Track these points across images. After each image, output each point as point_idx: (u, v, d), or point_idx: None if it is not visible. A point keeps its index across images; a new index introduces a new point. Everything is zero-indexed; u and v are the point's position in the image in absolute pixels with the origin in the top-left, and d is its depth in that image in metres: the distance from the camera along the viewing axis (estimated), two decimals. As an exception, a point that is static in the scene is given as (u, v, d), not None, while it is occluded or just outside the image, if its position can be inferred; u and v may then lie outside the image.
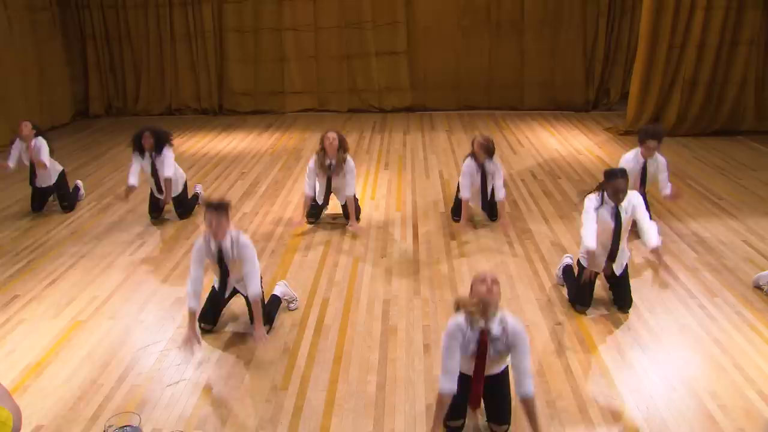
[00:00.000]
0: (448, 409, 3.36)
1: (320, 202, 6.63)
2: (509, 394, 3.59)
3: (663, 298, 5.03)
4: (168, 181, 6.67)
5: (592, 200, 4.80)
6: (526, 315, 4.83)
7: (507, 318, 3.33)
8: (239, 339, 4.64)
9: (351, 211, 6.51)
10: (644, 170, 6.19)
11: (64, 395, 4.03)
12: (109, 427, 2.21)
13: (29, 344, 4.60)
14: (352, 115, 11.93)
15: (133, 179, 6.71)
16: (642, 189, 6.19)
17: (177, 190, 6.86)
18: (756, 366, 4.13)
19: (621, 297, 4.92)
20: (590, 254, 4.71)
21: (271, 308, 4.83)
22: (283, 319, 4.88)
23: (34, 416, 3.83)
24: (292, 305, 5.06)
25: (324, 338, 4.63)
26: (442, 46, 11.66)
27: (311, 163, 6.44)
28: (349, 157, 6.46)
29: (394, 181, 8.07)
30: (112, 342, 4.61)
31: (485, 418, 3.68)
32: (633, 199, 4.78)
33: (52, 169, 7.06)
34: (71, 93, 11.84)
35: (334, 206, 6.82)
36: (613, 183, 4.65)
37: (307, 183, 6.45)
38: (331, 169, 6.41)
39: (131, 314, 4.98)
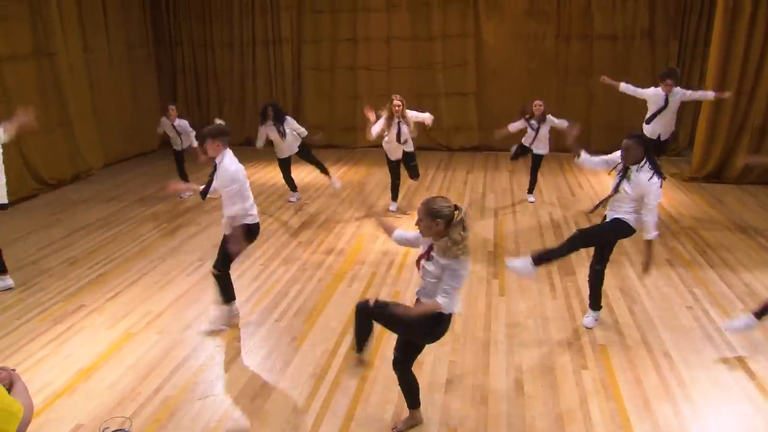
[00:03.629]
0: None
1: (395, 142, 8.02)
2: None
3: (700, 350, 4.91)
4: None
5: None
6: (554, 358, 4.84)
7: None
8: (271, 362, 4.89)
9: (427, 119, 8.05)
10: (666, 101, 7.72)
11: (106, 399, 4.39)
12: (105, 429, 2.45)
13: (84, 351, 5.02)
14: (420, 152, 12.07)
15: (259, 143, 8.77)
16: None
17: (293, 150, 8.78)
18: (789, 428, 3.99)
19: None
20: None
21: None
22: (315, 346, 5.09)
23: (78, 415, 4.20)
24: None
25: (352, 366, 4.80)
26: (510, 88, 11.79)
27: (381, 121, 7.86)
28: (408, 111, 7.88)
29: (449, 218, 8.19)
30: (156, 354, 4.96)
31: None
32: (643, 181, 4.79)
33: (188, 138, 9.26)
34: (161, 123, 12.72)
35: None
36: (624, 143, 4.88)
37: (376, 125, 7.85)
38: (399, 126, 7.83)
39: (177, 330, 5.34)
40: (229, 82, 12.88)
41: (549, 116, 8.33)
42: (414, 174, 8.52)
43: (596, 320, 5.37)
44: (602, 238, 5.17)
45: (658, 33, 11.14)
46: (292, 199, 9.12)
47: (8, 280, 6.08)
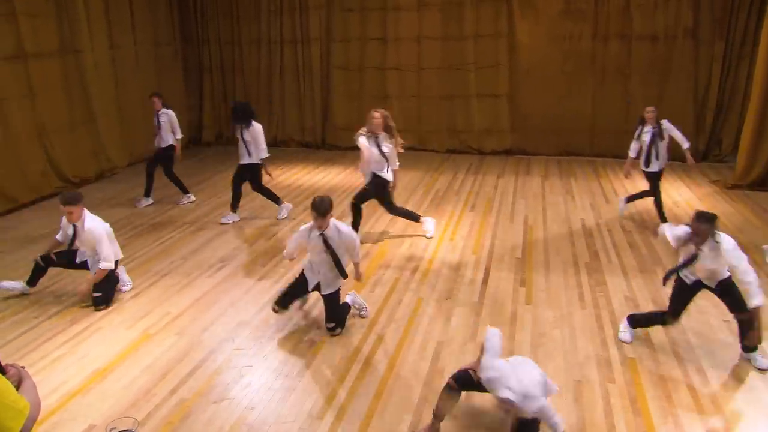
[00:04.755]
0: None
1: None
2: None
3: (736, 366, 4.64)
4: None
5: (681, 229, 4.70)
6: (582, 369, 4.64)
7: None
8: (289, 367, 4.78)
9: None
10: None
11: (120, 400, 4.33)
12: (112, 429, 2.39)
13: (101, 351, 4.98)
14: (450, 155, 11.99)
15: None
16: None
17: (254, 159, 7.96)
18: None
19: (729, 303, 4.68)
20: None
21: (342, 312, 5.33)
22: (334, 351, 4.98)
23: (90, 416, 4.15)
24: (363, 312, 5.57)
25: (371, 373, 4.67)
26: (544, 90, 11.49)
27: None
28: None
29: (477, 223, 8.01)
30: (173, 356, 4.90)
31: None
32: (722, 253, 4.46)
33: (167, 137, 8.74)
34: (187, 121, 12.70)
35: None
36: (695, 224, 4.46)
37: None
38: (378, 141, 7.07)
39: (196, 332, 5.27)
40: (256, 81, 12.84)
41: (665, 122, 7.58)
42: (388, 207, 7.45)
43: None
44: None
45: (703, 32, 10.72)
46: (224, 220, 8.15)
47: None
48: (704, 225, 4.42)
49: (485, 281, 6.26)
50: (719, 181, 9.67)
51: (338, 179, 10.43)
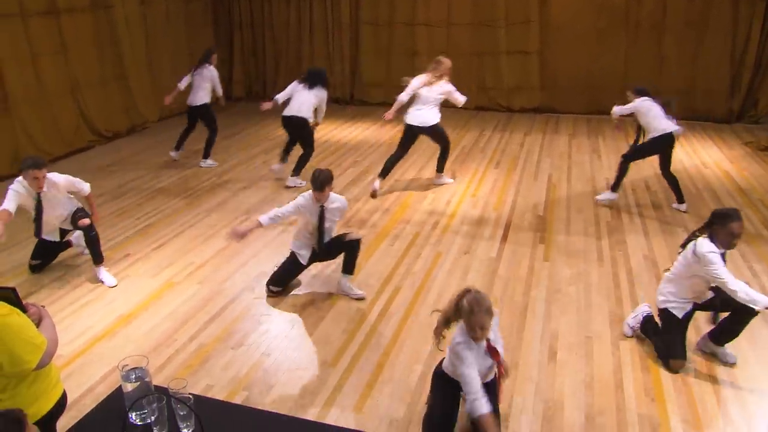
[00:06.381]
0: None
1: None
2: None
3: (750, 327, 4.54)
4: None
5: (712, 247, 4.03)
6: (594, 326, 4.67)
7: None
8: (305, 316, 4.91)
9: None
10: None
11: (143, 344, 4.53)
12: (124, 366, 2.57)
13: (127, 297, 5.18)
14: (478, 112, 11.86)
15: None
16: None
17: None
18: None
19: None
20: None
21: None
22: (350, 302, 5.09)
23: (114, 358, 4.32)
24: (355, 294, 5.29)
25: (385, 324, 4.78)
26: (575, 47, 11.23)
27: None
28: None
29: (501, 180, 7.99)
30: (194, 304, 5.07)
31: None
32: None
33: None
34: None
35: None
36: (727, 226, 3.99)
37: None
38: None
39: (217, 281, 5.43)
40: (285, 37, 12.81)
41: None
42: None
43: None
44: None
45: (744, -13, 10.33)
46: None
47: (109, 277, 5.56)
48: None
49: (505, 237, 6.28)
50: (752, 143, 9.42)
51: (365, 135, 10.44)
